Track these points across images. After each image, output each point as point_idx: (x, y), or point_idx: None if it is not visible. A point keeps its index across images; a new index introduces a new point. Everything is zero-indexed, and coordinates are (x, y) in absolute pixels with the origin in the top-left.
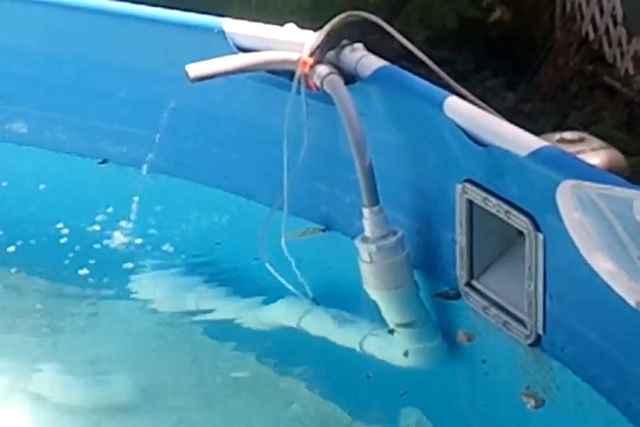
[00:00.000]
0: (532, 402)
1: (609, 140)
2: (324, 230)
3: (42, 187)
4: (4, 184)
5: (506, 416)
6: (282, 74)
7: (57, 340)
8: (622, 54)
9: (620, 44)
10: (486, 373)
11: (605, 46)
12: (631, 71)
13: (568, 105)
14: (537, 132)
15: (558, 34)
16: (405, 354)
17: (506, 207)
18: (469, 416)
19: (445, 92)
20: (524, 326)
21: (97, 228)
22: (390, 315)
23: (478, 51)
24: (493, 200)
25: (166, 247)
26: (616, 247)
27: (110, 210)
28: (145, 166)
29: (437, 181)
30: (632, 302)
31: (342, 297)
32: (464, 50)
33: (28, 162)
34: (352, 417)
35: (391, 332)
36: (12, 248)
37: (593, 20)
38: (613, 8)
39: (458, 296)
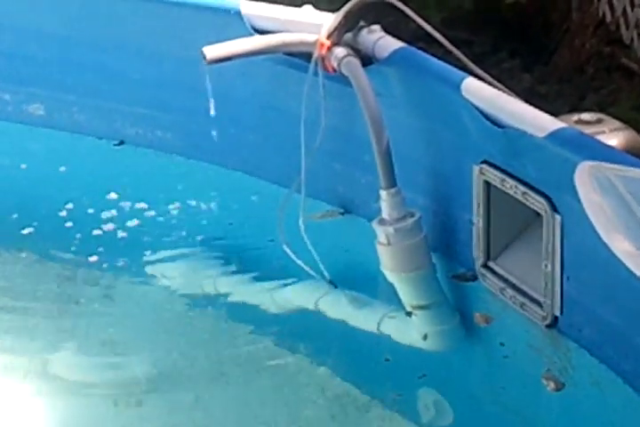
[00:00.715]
0: (552, 385)
1: (626, 121)
2: (342, 213)
3: (58, 169)
4: (22, 166)
5: (524, 399)
6: (299, 56)
7: (73, 322)
8: (639, 36)
9: (637, 26)
10: (505, 356)
11: (623, 28)
12: None
13: (585, 87)
14: (554, 113)
15: (575, 15)
16: (424, 337)
17: (523, 188)
18: (488, 399)
19: (463, 74)
20: (541, 307)
21: (113, 210)
22: (407, 297)
23: (495, 32)
24: (511, 181)
25: (182, 229)
26: (634, 228)
27: (127, 191)
28: None
29: (455, 163)
30: None
31: (359, 279)
32: (480, 31)
33: (45, 144)
34: (369, 398)
35: (409, 314)
36: (27, 230)
37: (610, 2)
38: None
39: (475, 278)
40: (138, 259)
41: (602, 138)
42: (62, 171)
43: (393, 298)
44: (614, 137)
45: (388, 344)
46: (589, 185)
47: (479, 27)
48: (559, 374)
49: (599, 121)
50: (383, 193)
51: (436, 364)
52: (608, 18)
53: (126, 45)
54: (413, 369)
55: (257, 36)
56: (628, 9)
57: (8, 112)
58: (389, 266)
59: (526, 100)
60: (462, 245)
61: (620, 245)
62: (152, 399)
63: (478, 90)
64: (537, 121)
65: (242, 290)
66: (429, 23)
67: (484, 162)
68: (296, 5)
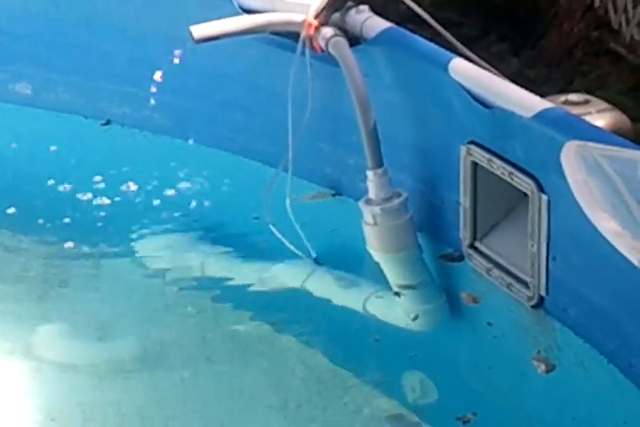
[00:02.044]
0: (543, 367)
1: (614, 106)
2: (333, 195)
3: (44, 148)
4: (12, 145)
5: (510, 379)
6: (286, 36)
7: (58, 303)
8: (628, 20)
9: (625, 11)
10: (495, 336)
11: (611, 12)
12: (637, 37)
13: (573, 71)
14: (542, 96)
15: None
16: (415, 318)
17: (510, 169)
18: (474, 379)
19: (450, 54)
20: (527, 287)
21: (99, 188)
22: (394, 277)
23: (484, 16)
24: (498, 162)
25: (169, 209)
26: (620, 207)
27: (113, 171)
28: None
29: (442, 143)
30: (635, 262)
31: (346, 259)
32: (469, 15)
33: (32, 123)
34: (356, 377)
35: (397, 294)
36: (12, 209)
37: None
38: None
39: (461, 258)
40: (124, 239)
41: (589, 119)
42: (48, 150)
43: (379, 278)
44: (601, 118)
45: (376, 324)
46: (576, 165)
47: (468, 10)
48: (546, 354)
49: (586, 102)
50: (370, 173)
51: (424, 344)
52: (596, 2)
53: (114, 25)
54: (401, 349)
55: (245, 16)
56: None
57: None
58: (376, 246)
59: (514, 84)
60: (449, 226)
61: (606, 225)
62: (138, 380)
63: (466, 70)
64: (524, 101)
65: (228, 270)
66: (419, 5)
67: (472, 142)
68: None
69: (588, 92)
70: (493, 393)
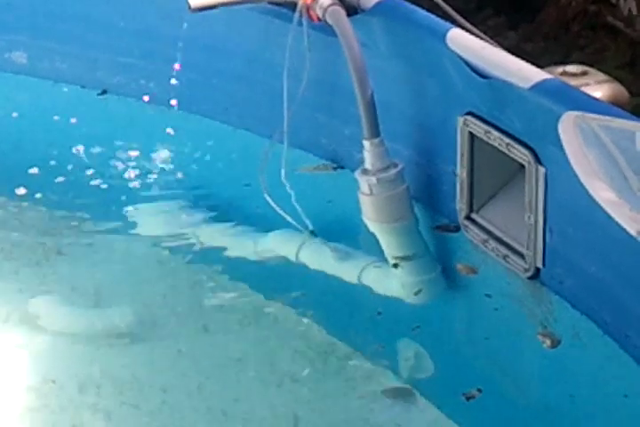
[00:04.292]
0: (548, 342)
1: None
2: (335, 168)
3: (41, 117)
4: (13, 115)
5: (507, 351)
6: (284, 5)
7: (54, 271)
8: None
9: None
10: (496, 308)
11: None
12: (634, 11)
13: (570, 44)
14: (540, 68)
15: None
16: (417, 293)
17: (507, 140)
18: (476, 352)
19: (448, 25)
20: (524, 259)
21: (96, 159)
22: (389, 248)
23: None
24: (495, 133)
25: (164, 178)
26: (618, 178)
27: (109, 141)
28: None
29: (439, 114)
30: (633, 232)
31: (342, 231)
32: None
33: (28, 92)
34: (352, 349)
35: (395, 266)
36: (10, 180)
37: None
38: None
39: (457, 229)
40: (119, 208)
41: (587, 90)
42: (45, 120)
43: (375, 250)
44: (599, 89)
45: (372, 296)
46: (573, 135)
47: None
48: (550, 328)
49: (584, 73)
50: (366, 143)
51: (421, 316)
52: None
53: None
54: (398, 321)
55: None
56: None
57: None
58: (371, 216)
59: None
60: (445, 197)
61: (602, 194)
62: (134, 349)
63: (463, 41)
64: (522, 72)
65: (223, 239)
66: None
67: (469, 113)
68: None
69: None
70: (494, 367)
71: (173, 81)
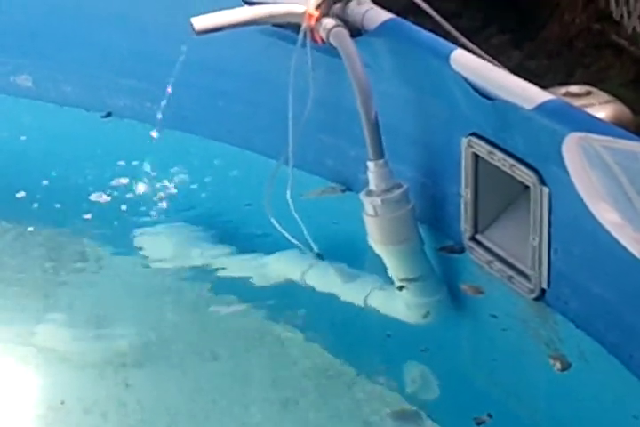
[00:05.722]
0: (559, 365)
1: (616, 98)
2: (343, 191)
3: (45, 140)
4: (4, 135)
5: (513, 372)
6: (288, 27)
7: (59, 294)
8: (629, 12)
9: (627, 3)
10: (503, 329)
11: (612, 4)
12: (638, 29)
13: (574, 63)
14: (543, 88)
15: None
16: (425, 315)
17: (511, 161)
18: (483, 374)
19: (452, 46)
20: (529, 280)
21: (100, 182)
22: (395, 270)
23: (484, 6)
24: (499, 154)
25: (169, 201)
26: (621, 199)
27: (113, 164)
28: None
29: (443, 135)
30: (636, 253)
31: (348, 252)
32: (470, 5)
33: (32, 115)
34: (357, 371)
35: (400, 289)
36: (14, 202)
37: None
38: None
39: (462, 250)
40: (124, 231)
41: (590, 110)
42: (49, 142)
43: (381, 272)
44: (603, 109)
45: (378, 318)
46: (577, 156)
47: (469, 1)
48: (559, 349)
49: (588, 93)
50: (371, 164)
51: (428, 337)
52: None
53: (114, 16)
54: (404, 343)
55: (246, 7)
56: None
57: None
58: (377, 238)
59: (515, 76)
60: (450, 218)
61: (606, 215)
62: (139, 372)
63: (467, 62)
64: (525, 93)
65: (227, 261)
66: None
67: (473, 134)
68: None
69: (589, 84)
70: (503, 389)
71: (177, 103)
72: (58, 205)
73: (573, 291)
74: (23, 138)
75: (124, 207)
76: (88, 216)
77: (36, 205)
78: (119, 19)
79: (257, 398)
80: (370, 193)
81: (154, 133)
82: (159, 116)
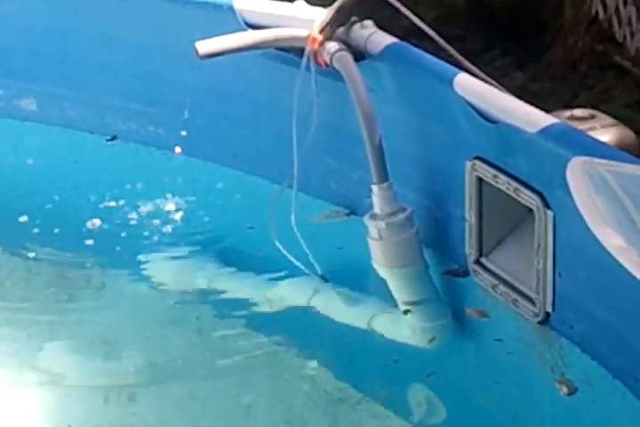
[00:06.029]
0: (565, 389)
1: (619, 119)
2: (348, 214)
3: (50, 164)
4: (9, 158)
5: (518, 396)
6: (291, 51)
7: (64, 319)
8: (632, 34)
9: (629, 24)
10: (509, 352)
11: (615, 25)
12: None
13: (578, 84)
14: (547, 111)
15: (568, 12)
16: (431, 340)
17: (515, 185)
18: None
19: (455, 69)
20: (533, 303)
21: (105, 205)
22: (399, 293)
23: (487, 30)
24: (503, 177)
25: (174, 225)
26: (625, 223)
27: (117, 187)
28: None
29: (447, 159)
30: None
31: (352, 276)
32: (473, 29)
33: (37, 138)
34: (362, 395)
35: (405, 313)
36: (18, 227)
37: None
38: None
39: (467, 274)
40: (128, 255)
41: (594, 134)
42: (54, 166)
43: (386, 296)
44: (606, 133)
45: (382, 342)
46: (581, 180)
47: (472, 24)
48: (560, 373)
49: (591, 117)
50: (375, 188)
51: (432, 361)
52: (601, 15)
53: (119, 40)
54: (409, 366)
55: (250, 31)
56: (621, 6)
57: (0, 107)
58: (381, 261)
59: (519, 98)
60: (454, 242)
61: (610, 240)
62: (144, 395)
63: (471, 85)
64: (529, 117)
65: (232, 285)
66: (422, 20)
67: (477, 158)
68: (289, 0)
69: (592, 105)
70: (508, 413)
71: (182, 127)
72: (61, 230)
73: (578, 314)
74: (28, 161)
75: (128, 231)
76: (90, 242)
77: (36, 230)
78: (124, 43)
79: (262, 421)
80: (374, 216)
81: (178, 149)
82: (183, 133)
